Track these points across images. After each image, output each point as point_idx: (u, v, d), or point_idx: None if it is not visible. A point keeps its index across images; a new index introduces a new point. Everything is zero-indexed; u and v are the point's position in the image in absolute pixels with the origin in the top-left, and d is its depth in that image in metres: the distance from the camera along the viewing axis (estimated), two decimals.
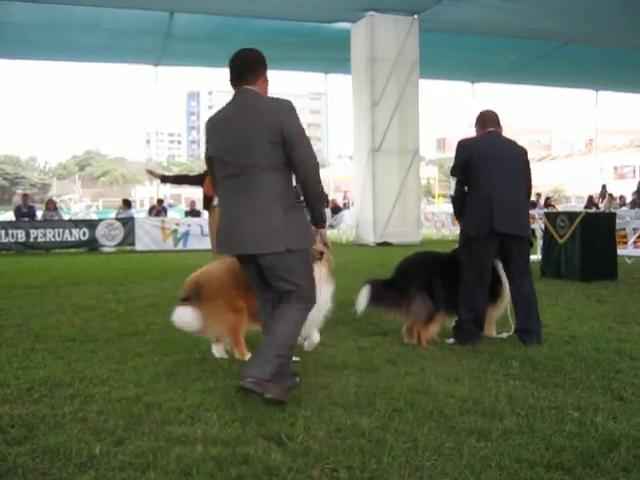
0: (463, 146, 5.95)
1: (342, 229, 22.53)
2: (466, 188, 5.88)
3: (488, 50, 22.78)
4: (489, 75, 28.05)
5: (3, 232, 17.47)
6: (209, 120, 4.40)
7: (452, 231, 22.84)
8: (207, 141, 4.38)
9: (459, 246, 5.98)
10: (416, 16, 19.48)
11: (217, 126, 4.29)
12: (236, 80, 4.30)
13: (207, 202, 9.28)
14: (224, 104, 4.36)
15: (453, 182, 5.99)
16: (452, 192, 6.06)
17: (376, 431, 3.53)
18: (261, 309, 4.46)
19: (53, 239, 17.99)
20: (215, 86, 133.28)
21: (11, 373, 4.83)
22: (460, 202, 5.98)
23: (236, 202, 4.15)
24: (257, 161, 4.07)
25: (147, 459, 3.21)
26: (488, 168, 5.74)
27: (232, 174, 4.15)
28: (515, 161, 5.88)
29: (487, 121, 6.02)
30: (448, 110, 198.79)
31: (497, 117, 6.05)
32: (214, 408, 3.97)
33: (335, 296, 8.48)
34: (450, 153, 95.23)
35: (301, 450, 3.30)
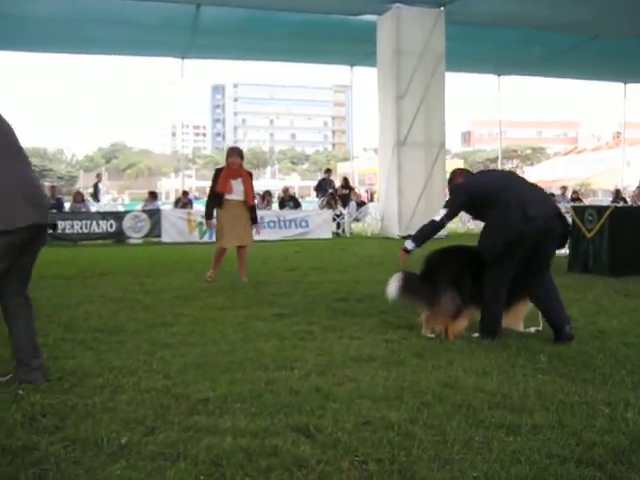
0: (461, 187, 6.02)
1: (367, 222, 22.49)
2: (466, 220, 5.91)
3: (515, 42, 22.53)
4: (516, 68, 27.76)
5: None
6: None
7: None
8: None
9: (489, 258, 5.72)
10: (442, 8, 19.32)
11: None
12: None
13: (219, 198, 9.57)
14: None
15: (442, 212, 5.88)
16: (436, 218, 5.91)
17: (405, 424, 3.53)
18: None
19: (81, 231, 18.14)
20: (240, 79, 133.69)
21: None
22: (433, 234, 5.98)
23: None
24: None
25: (177, 449, 3.24)
26: (499, 184, 5.83)
27: None
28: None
29: (463, 172, 6.37)
30: (473, 103, 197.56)
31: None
32: (242, 399, 3.99)
33: (361, 289, 8.56)
34: (476, 146, 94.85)
35: (330, 442, 3.31)
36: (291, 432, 3.46)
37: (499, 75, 29.01)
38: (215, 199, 9.67)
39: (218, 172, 9.84)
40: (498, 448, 3.21)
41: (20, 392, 4.17)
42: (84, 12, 18.95)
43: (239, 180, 9.64)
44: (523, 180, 6.10)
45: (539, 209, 5.53)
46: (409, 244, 5.98)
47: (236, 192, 9.61)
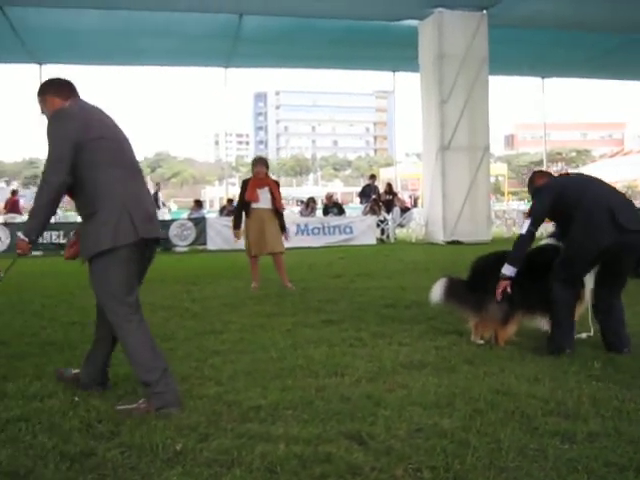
0: (544, 190, 5.68)
1: (411, 228, 22.42)
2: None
3: (559, 44, 22.24)
4: (560, 69, 27.42)
5: None
6: None
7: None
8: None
9: (561, 269, 5.46)
10: (485, 11, 19.20)
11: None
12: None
13: (246, 207, 9.77)
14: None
15: (527, 222, 5.56)
16: (522, 231, 5.59)
17: (458, 431, 3.50)
18: None
19: None
20: (282, 86, 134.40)
21: None
22: (526, 247, 5.61)
23: None
24: None
25: (231, 456, 3.26)
26: (583, 185, 5.55)
27: None
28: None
29: (546, 174, 6.10)
30: (516, 105, 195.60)
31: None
32: (294, 406, 4.01)
33: (408, 295, 8.53)
34: (519, 149, 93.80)
35: (383, 449, 3.31)
36: (344, 439, 3.46)
37: (543, 77, 28.66)
38: (243, 209, 9.84)
39: (245, 183, 10.07)
40: (554, 456, 3.17)
41: (76, 398, 4.25)
42: (132, 24, 19.34)
43: (266, 189, 9.79)
44: (604, 183, 5.73)
45: (628, 217, 5.20)
46: (507, 269, 5.50)
47: (263, 200, 9.76)
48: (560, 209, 5.49)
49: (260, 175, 9.82)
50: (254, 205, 9.73)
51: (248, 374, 4.82)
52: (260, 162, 10.07)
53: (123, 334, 4.14)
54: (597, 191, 5.46)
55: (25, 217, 24.55)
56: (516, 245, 5.59)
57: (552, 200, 5.50)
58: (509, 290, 5.50)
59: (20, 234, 4.07)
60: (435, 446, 3.30)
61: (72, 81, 4.35)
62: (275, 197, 9.80)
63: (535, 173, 6.21)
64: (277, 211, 9.91)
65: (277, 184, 10.19)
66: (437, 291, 5.87)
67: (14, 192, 27.19)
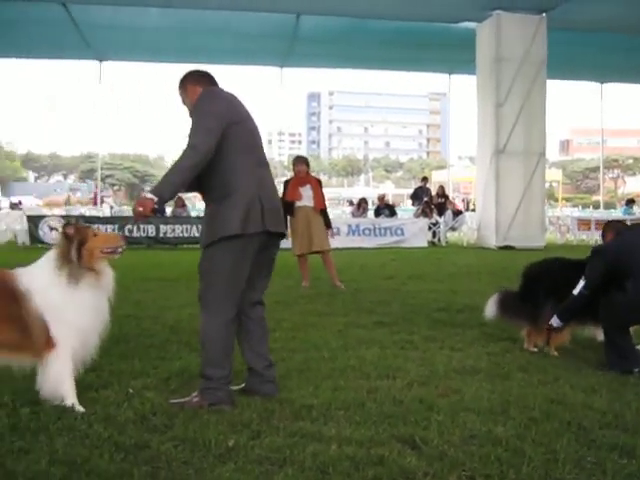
0: (602, 251, 5.53)
1: (463, 231, 22.21)
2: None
3: (619, 48, 21.79)
4: (620, 75, 26.86)
5: (135, 227, 18.23)
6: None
7: (577, 236, 22.07)
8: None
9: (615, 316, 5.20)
10: (544, 14, 18.91)
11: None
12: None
13: (288, 206, 9.56)
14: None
15: (581, 284, 5.31)
16: (575, 292, 5.34)
17: (512, 440, 3.45)
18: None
19: (181, 235, 18.65)
20: (336, 86, 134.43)
21: (149, 363, 5.04)
22: (577, 308, 5.38)
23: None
24: None
25: (283, 454, 3.27)
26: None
27: None
28: None
29: (617, 229, 5.65)
30: (573, 110, 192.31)
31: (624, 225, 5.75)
32: (345, 407, 4.00)
33: (460, 299, 8.45)
34: (574, 155, 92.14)
35: (436, 454, 3.27)
36: (396, 442, 3.44)
37: (602, 82, 28.12)
38: (286, 209, 9.81)
39: (287, 183, 10.13)
40: (612, 470, 3.09)
41: (130, 390, 4.31)
42: (191, 23, 19.59)
43: (307, 187, 9.82)
44: None
45: None
46: (555, 321, 5.41)
47: (305, 198, 9.79)
48: (615, 272, 5.26)
49: (301, 174, 9.87)
50: (298, 204, 9.76)
51: (300, 372, 4.83)
52: (300, 161, 10.11)
53: (208, 321, 4.06)
54: None
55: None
56: (568, 304, 5.39)
57: (605, 267, 5.29)
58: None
59: (147, 192, 3.93)
60: (489, 454, 3.25)
61: (210, 72, 4.39)
62: (316, 196, 9.81)
63: (607, 225, 5.89)
64: (321, 209, 9.91)
65: (319, 182, 10.20)
66: (491, 307, 5.83)
67: None
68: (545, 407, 4.02)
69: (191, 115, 4.11)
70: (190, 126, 4.00)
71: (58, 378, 3.92)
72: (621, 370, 4.96)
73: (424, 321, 6.97)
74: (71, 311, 3.93)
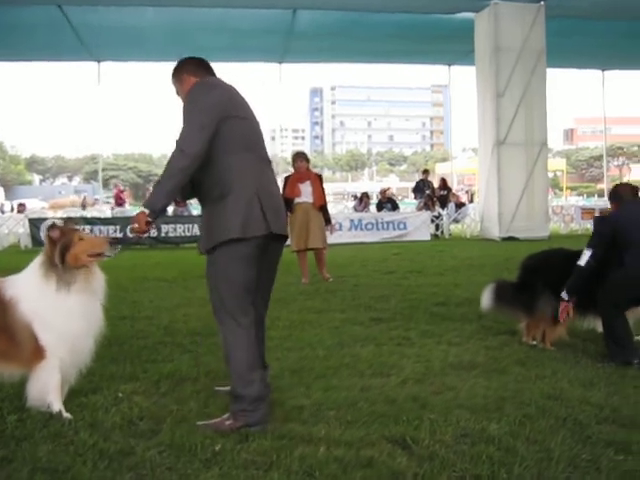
0: (604, 221, 5.48)
1: (466, 223, 22.10)
2: None
3: (621, 35, 21.59)
4: (621, 61, 26.65)
5: None
6: None
7: (582, 225, 21.92)
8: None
9: (613, 293, 5.15)
10: (542, 2, 18.73)
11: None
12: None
13: (287, 203, 9.50)
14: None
15: (587, 253, 5.25)
16: (581, 262, 5.27)
17: (506, 438, 3.37)
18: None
19: (183, 234, 18.58)
20: (338, 81, 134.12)
21: (140, 366, 4.97)
22: (584, 279, 5.28)
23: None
24: None
25: (270, 457, 3.20)
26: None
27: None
28: None
29: (622, 196, 5.48)
30: (576, 99, 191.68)
31: (634, 189, 5.51)
32: (337, 407, 3.93)
33: (460, 292, 8.36)
34: (579, 144, 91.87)
35: (427, 455, 3.20)
36: (387, 443, 3.37)
37: (603, 70, 27.92)
38: (285, 205, 9.74)
39: (287, 179, 10.08)
40: (607, 468, 3.01)
41: (120, 394, 4.25)
42: (187, 21, 19.49)
43: (307, 183, 9.77)
44: None
45: None
46: (564, 295, 5.30)
47: (305, 194, 9.75)
48: (618, 242, 5.20)
49: (301, 170, 9.83)
50: (297, 200, 9.72)
51: (294, 372, 4.75)
52: (300, 157, 10.05)
53: (225, 332, 3.78)
54: None
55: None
56: (574, 276, 5.29)
57: (611, 234, 5.22)
58: (571, 314, 5.30)
59: (141, 207, 3.70)
60: (481, 453, 3.17)
61: (207, 60, 4.09)
62: (315, 192, 9.74)
63: (614, 191, 5.64)
64: (321, 205, 9.84)
65: (320, 178, 10.16)
66: (487, 297, 5.74)
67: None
68: (541, 403, 3.94)
69: (185, 101, 3.82)
70: (181, 122, 3.71)
71: (45, 387, 3.85)
72: (621, 361, 4.88)
73: (422, 316, 6.88)
74: (59, 318, 3.84)
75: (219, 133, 3.66)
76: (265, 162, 3.96)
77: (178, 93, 4.08)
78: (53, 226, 4.03)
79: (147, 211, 3.64)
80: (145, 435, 3.55)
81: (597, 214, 20.89)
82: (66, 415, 3.82)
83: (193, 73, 3.98)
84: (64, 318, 3.83)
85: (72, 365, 3.98)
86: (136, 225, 3.66)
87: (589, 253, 5.22)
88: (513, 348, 5.43)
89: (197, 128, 3.62)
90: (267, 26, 19.99)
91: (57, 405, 3.85)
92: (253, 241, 3.70)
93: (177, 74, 4.07)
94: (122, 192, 29.00)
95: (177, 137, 3.66)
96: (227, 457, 3.23)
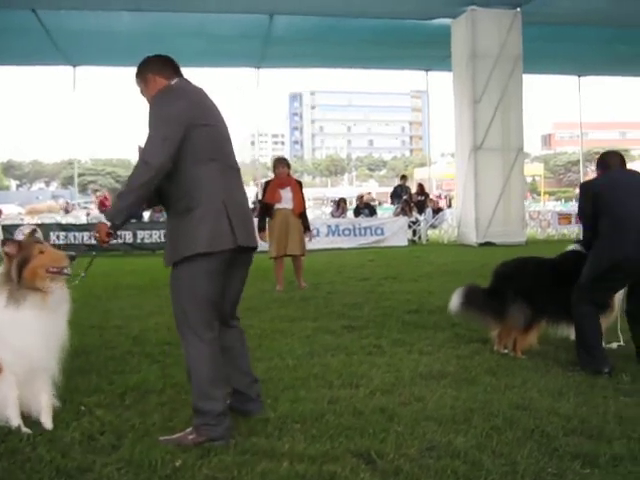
0: (586, 187, 5.44)
1: (444, 229, 22.13)
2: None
3: (596, 41, 21.74)
4: (597, 67, 26.85)
5: None
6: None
7: (558, 230, 22.04)
8: None
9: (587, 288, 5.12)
10: (519, 9, 18.84)
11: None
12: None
13: (267, 209, 9.78)
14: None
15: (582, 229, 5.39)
16: (581, 238, 5.43)
17: (472, 451, 3.32)
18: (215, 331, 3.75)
19: (159, 240, 18.40)
20: (317, 86, 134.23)
21: (106, 377, 4.89)
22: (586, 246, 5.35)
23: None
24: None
25: (231, 473, 3.14)
26: (620, 198, 5.05)
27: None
28: None
29: (609, 164, 5.38)
30: (554, 105, 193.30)
31: (620, 158, 5.44)
32: (303, 420, 3.86)
33: (434, 300, 8.31)
34: (557, 149, 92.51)
35: (391, 469, 3.14)
36: (351, 457, 3.30)
37: (579, 75, 28.12)
38: (266, 211, 9.73)
39: (267, 184, 10.05)
40: None
41: (82, 408, 4.16)
42: (164, 26, 19.37)
43: (287, 189, 9.75)
44: None
45: None
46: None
47: (285, 200, 9.72)
48: (595, 210, 5.14)
49: (282, 175, 9.80)
50: (277, 206, 9.69)
51: (262, 383, 4.66)
52: (281, 162, 10.03)
53: (187, 347, 3.66)
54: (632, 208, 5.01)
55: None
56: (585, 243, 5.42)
57: (590, 200, 5.19)
58: None
59: (102, 218, 3.68)
60: (446, 467, 3.12)
61: (174, 58, 3.97)
62: (295, 199, 9.69)
63: (602, 158, 5.50)
64: (300, 212, 9.79)
65: (300, 184, 10.12)
66: (456, 300, 5.69)
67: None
68: (509, 414, 3.89)
69: (150, 109, 3.70)
70: (147, 129, 3.62)
71: (3, 402, 3.75)
72: (591, 370, 4.85)
73: (394, 324, 6.83)
74: (14, 334, 3.72)
75: (185, 143, 3.56)
76: (233, 170, 3.86)
77: (142, 93, 3.97)
78: (9, 240, 3.94)
79: (108, 223, 3.58)
80: (105, 450, 3.46)
81: (574, 220, 21.09)
82: (25, 430, 3.72)
83: (158, 73, 3.87)
84: (19, 334, 3.72)
85: (30, 380, 3.87)
86: (97, 235, 3.61)
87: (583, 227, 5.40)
88: (484, 357, 5.39)
89: (161, 139, 3.53)
90: (244, 31, 19.91)
91: (16, 420, 3.75)
92: (220, 255, 3.61)
93: (141, 73, 3.96)
94: (107, 199, 28.55)
95: (142, 146, 3.58)
96: (187, 473, 3.15)
